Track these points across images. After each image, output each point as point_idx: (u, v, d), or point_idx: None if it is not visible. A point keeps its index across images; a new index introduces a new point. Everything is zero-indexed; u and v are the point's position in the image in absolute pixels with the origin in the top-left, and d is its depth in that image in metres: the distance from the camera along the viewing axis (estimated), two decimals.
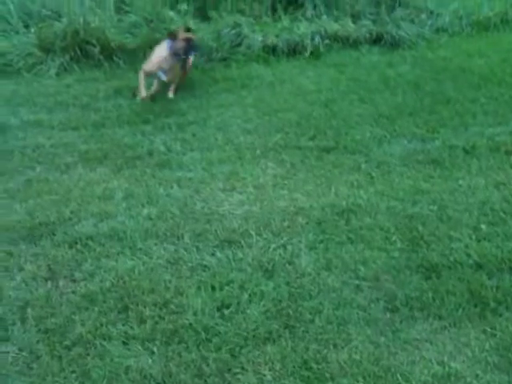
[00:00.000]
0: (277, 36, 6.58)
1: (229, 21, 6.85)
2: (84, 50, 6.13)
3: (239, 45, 6.54)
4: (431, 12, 7.72)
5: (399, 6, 7.54)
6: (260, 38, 6.53)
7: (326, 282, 2.79)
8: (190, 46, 5.14)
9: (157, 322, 2.57)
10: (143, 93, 5.11)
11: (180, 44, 5.04)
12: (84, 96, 5.30)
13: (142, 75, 5.16)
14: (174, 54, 5.05)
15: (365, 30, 6.73)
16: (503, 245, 3.06)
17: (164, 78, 5.11)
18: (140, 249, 3.09)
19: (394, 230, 3.19)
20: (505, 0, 8.25)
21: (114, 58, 6.13)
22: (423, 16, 7.53)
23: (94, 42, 6.14)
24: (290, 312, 2.61)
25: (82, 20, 6.24)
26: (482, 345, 2.42)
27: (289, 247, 3.09)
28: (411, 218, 3.30)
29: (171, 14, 6.96)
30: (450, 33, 7.26)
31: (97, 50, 6.09)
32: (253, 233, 3.21)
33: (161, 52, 5.12)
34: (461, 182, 3.71)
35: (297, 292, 2.74)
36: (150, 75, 5.20)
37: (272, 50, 6.49)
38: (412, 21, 7.24)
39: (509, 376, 2.29)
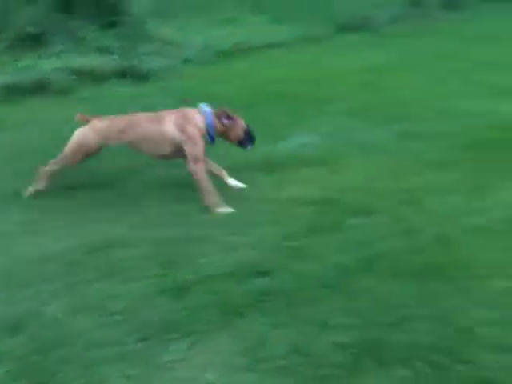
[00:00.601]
0: (19, 75, 6.20)
1: None
2: None
3: None
4: (178, 44, 8.18)
5: (146, 40, 7.81)
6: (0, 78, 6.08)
7: (77, 326, 2.66)
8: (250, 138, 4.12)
9: None
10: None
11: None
12: None
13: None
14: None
15: (113, 64, 6.79)
16: (250, 252, 3.29)
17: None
18: None
19: (147, 257, 3.21)
20: (246, 31, 9.29)
21: None
22: (170, 48, 7.93)
23: None
24: (38, 366, 2.42)
25: None
26: (231, 350, 2.55)
27: (37, 297, 2.88)
28: (163, 243, 3.37)
29: None
30: (196, 63, 7.75)
31: None
32: None
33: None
34: None
35: (45, 343, 2.55)
36: None
37: (15, 90, 6.09)
38: (159, 53, 7.55)
39: (258, 374, 2.45)
